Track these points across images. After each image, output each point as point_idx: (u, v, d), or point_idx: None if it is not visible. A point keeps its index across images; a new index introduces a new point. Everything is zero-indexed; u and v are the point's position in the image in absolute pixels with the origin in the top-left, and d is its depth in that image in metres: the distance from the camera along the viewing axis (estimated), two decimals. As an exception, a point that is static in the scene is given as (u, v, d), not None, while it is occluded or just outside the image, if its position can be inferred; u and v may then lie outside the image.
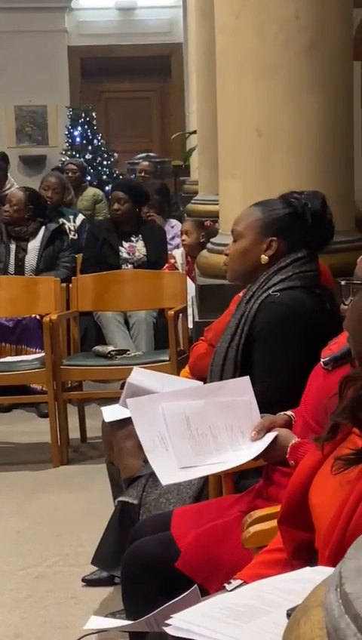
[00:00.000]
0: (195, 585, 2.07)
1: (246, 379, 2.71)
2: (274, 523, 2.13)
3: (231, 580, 2.04)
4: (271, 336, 3.06)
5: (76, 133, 13.65)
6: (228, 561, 2.38)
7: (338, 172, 4.26)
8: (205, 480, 2.99)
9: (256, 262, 3.21)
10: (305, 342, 2.75)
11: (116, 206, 7.08)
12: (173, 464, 2.54)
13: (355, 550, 1.15)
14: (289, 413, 2.58)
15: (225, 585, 2.03)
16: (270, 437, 2.47)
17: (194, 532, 2.58)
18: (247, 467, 2.72)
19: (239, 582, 1.99)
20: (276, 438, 2.45)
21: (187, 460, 2.55)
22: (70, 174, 9.86)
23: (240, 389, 2.71)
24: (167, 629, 1.63)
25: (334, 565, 1.21)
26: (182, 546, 2.54)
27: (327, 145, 4.24)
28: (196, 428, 2.60)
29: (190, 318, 5.74)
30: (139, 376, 3.41)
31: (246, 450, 2.54)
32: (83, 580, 3.84)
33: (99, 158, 13.38)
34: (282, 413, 2.60)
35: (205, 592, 2.13)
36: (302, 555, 1.95)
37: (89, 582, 3.83)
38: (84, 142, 13.50)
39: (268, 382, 2.90)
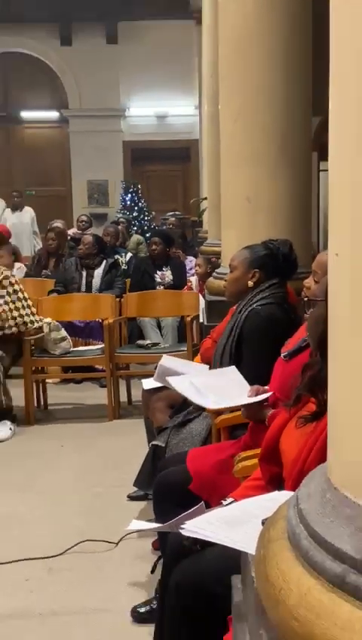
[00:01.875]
0: (202, 501, 2.07)
1: (233, 367, 2.93)
2: (255, 460, 2.15)
3: (226, 499, 2.04)
4: (255, 337, 3.06)
5: (127, 198, 13.72)
6: (224, 486, 2.38)
7: (300, 227, 4.25)
8: (209, 431, 2.99)
9: (244, 286, 3.22)
10: (276, 341, 2.75)
11: (153, 247, 7.11)
12: (207, 402, 2.78)
13: (307, 480, 1.16)
14: (266, 387, 2.59)
15: (222, 501, 2.03)
16: (265, 395, 2.52)
17: (201, 465, 2.59)
18: (239, 422, 2.75)
19: (231, 500, 1.99)
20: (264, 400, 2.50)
21: (214, 402, 2.76)
22: (121, 227, 9.94)
23: (229, 372, 2.89)
24: (182, 532, 1.64)
25: (294, 490, 1.21)
26: (193, 475, 2.55)
27: (293, 209, 4.24)
28: (213, 389, 2.80)
29: (203, 321, 5.78)
30: (166, 360, 3.44)
31: (240, 400, 2.60)
32: (128, 496, 3.85)
33: (142, 215, 13.47)
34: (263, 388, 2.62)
35: (208, 506, 2.13)
36: (274, 482, 1.95)
37: (131, 498, 3.85)
38: (132, 204, 13.57)
39: (252, 366, 2.92)
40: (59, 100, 14.88)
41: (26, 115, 14.98)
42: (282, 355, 2.54)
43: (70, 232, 9.73)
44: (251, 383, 2.70)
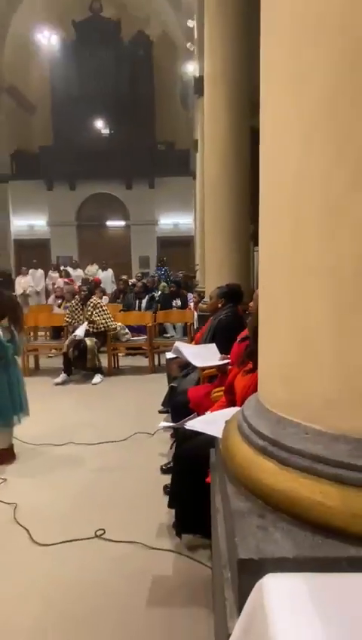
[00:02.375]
0: (195, 413, 2.04)
1: (213, 345, 2.83)
2: (222, 392, 2.11)
3: (208, 412, 2.00)
4: (222, 332, 3.00)
5: (158, 265, 13.56)
6: (207, 405, 2.32)
7: (245, 278, 4.19)
8: (199, 376, 2.90)
9: (216, 307, 3.19)
10: (232, 333, 2.70)
11: (171, 289, 7.01)
12: (195, 361, 2.64)
13: (248, 400, 1.13)
14: (228, 356, 2.55)
15: (206, 413, 1.99)
16: (227, 360, 2.48)
17: (195, 395, 2.53)
18: (213, 374, 2.69)
19: (210, 412, 1.96)
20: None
21: (201, 362, 2.63)
22: (155, 278, 9.83)
23: (211, 347, 2.78)
24: (186, 426, 1.61)
25: (241, 406, 1.19)
26: (191, 399, 2.50)
27: (241, 270, 4.21)
28: (202, 354, 2.69)
29: (195, 325, 5.74)
30: (178, 344, 3.37)
31: (215, 362, 2.54)
32: (158, 410, 3.60)
33: (166, 273, 13.23)
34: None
35: (198, 415, 2.10)
36: (231, 404, 1.92)
37: (160, 411, 3.57)
38: (161, 267, 13.39)
39: (221, 346, 2.83)
40: (125, 215, 14.76)
41: (109, 223, 14.91)
42: (238, 339, 2.47)
43: (131, 281, 9.69)
44: (220, 353, 2.67)
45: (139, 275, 10.36)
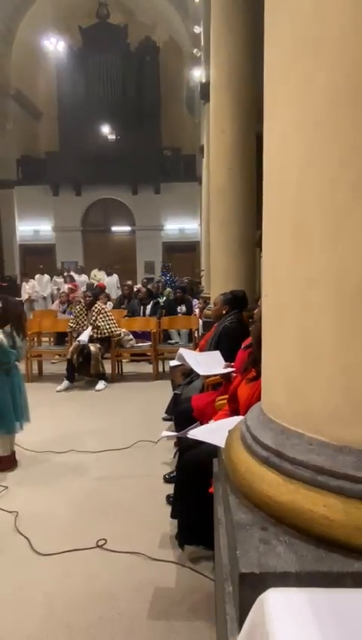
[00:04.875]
0: (198, 422, 2.04)
1: (218, 352, 2.79)
2: (225, 401, 2.10)
3: (211, 420, 2.00)
4: (226, 339, 3.00)
5: (164, 270, 13.52)
6: (210, 414, 2.32)
7: (249, 284, 4.18)
8: (203, 384, 2.90)
9: (220, 313, 3.18)
10: (236, 341, 2.70)
11: (177, 294, 6.92)
12: (199, 369, 2.57)
13: (251, 410, 1.13)
14: (232, 364, 2.55)
15: (209, 422, 1.99)
16: (231, 369, 2.45)
17: (198, 403, 2.53)
18: (217, 381, 2.68)
19: (213, 421, 1.95)
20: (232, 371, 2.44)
21: (204, 370, 2.57)
22: (160, 283, 9.84)
23: (215, 354, 2.76)
24: (189, 435, 1.61)
25: (244, 416, 1.19)
26: (194, 408, 2.50)
27: (246, 276, 4.21)
28: (205, 362, 2.63)
29: (200, 331, 5.74)
30: (182, 350, 3.35)
31: (219, 370, 2.51)
32: (162, 418, 3.65)
33: (171, 278, 13.21)
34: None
35: (201, 424, 2.09)
36: (234, 412, 1.92)
37: (164, 419, 3.63)
38: (166, 273, 13.31)
39: (225, 353, 2.82)
40: (131, 221, 14.80)
41: (114, 229, 14.96)
42: (243, 346, 2.46)
43: (136, 286, 9.69)
44: (224, 360, 2.66)
45: (145, 280, 10.37)
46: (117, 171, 13.68)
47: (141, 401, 4.49)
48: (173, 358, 3.87)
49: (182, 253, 14.79)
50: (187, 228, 14.75)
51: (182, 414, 2.58)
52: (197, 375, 3.00)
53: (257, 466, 0.90)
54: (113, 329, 5.33)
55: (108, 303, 7.30)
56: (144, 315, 6.67)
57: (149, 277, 14.12)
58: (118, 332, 5.40)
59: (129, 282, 8.97)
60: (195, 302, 8.24)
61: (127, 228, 14.99)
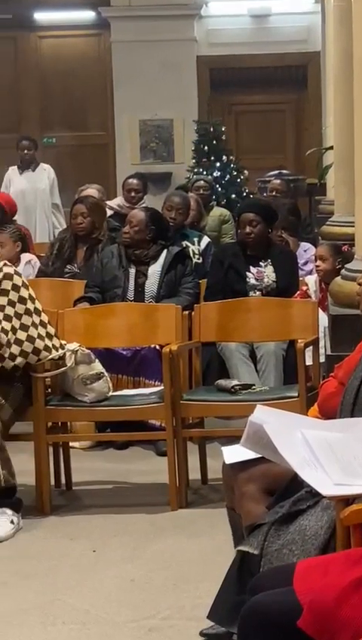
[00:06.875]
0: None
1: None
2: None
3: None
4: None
5: (204, 148, 13.53)
6: (357, 622, 2.35)
7: None
8: (332, 531, 2.94)
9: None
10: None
11: (248, 229, 7.04)
12: (327, 480, 2.65)
13: None
14: None
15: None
16: None
17: (319, 588, 2.53)
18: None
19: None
20: None
21: (340, 478, 2.65)
22: (202, 191, 9.82)
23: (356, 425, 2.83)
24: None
25: None
26: (304, 603, 2.49)
27: None
28: (341, 455, 2.70)
29: (321, 351, 5.74)
30: (262, 414, 3.33)
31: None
32: (200, 634, 3.76)
33: (228, 176, 13.22)
34: None
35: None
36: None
37: (207, 636, 3.74)
38: (212, 158, 13.35)
39: None
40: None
41: (41, 17, 15.34)
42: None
43: (112, 204, 9.78)
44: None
45: (136, 183, 9.93)
46: None
47: (130, 573, 4.60)
48: (232, 439, 3.82)
49: (266, 93, 15.05)
50: (277, 12, 14.97)
51: (262, 622, 2.57)
52: (315, 493, 2.99)
53: None
54: (40, 345, 5.47)
55: (26, 258, 7.54)
56: (140, 296, 6.82)
57: (158, 172, 14.06)
58: (54, 354, 5.53)
59: (92, 191, 9.07)
60: (307, 250, 8.19)
61: (86, 14, 15.38)
